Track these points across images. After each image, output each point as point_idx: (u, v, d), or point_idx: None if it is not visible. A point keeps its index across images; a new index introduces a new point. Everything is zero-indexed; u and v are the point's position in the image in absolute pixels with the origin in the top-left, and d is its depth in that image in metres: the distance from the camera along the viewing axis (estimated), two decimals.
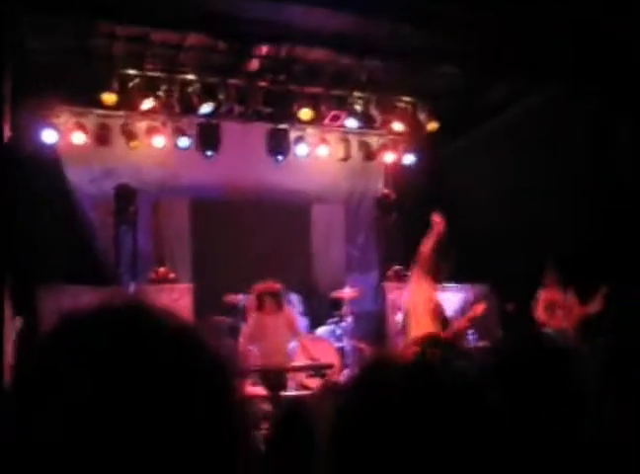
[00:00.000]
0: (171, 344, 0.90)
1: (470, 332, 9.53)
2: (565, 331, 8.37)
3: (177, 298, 9.66)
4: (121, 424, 0.82)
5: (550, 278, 8.69)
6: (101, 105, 9.67)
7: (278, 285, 8.67)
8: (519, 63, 9.08)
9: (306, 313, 10.55)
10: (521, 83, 9.92)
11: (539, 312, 8.66)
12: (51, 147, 9.88)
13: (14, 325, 8.51)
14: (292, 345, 8.78)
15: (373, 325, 10.98)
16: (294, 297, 10.23)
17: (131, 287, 9.01)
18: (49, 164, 9.92)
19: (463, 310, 10.26)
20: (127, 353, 0.86)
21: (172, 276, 10.16)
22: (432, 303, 7.40)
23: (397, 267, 10.91)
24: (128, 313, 0.93)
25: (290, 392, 8.21)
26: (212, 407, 0.89)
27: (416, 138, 11.28)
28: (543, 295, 8.71)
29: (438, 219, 7.50)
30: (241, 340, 8.46)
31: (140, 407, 0.83)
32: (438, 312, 7.45)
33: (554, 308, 8.60)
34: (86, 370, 0.84)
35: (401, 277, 10.76)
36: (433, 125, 10.79)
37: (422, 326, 7.25)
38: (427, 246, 7.40)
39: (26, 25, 8.49)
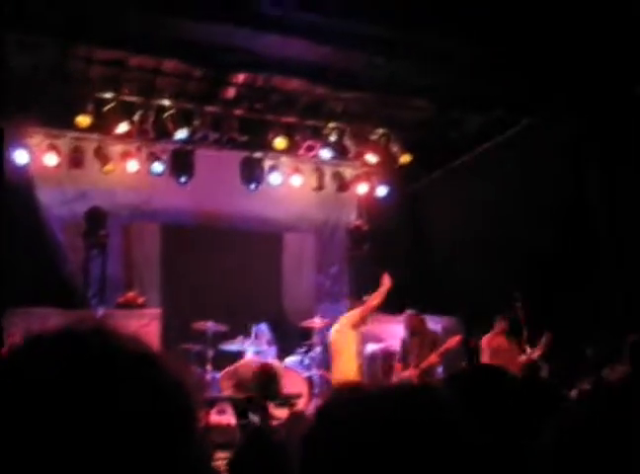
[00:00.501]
0: (133, 368, 0.90)
1: (439, 367, 9.54)
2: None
3: (146, 324, 9.55)
4: (78, 448, 0.81)
5: (498, 325, 8.87)
6: (75, 127, 9.64)
7: None
8: (493, 96, 9.23)
9: (275, 342, 10.49)
10: (495, 115, 10.05)
11: (485, 357, 8.84)
12: (23, 168, 9.81)
13: None
14: None
15: None
16: (264, 326, 10.18)
17: (100, 311, 8.92)
18: (20, 185, 9.83)
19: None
20: (87, 374, 0.86)
21: (141, 300, 10.06)
22: (355, 351, 8.27)
23: (367, 298, 10.91)
24: (92, 336, 0.92)
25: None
26: (172, 433, 0.88)
27: (389, 170, 11.38)
28: (489, 341, 8.90)
29: (386, 280, 8.39)
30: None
31: (98, 428, 0.83)
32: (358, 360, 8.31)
33: (499, 353, 8.75)
34: (47, 391, 0.84)
35: None
36: (405, 158, 10.89)
37: (344, 372, 7.97)
38: (374, 301, 8.35)
39: (4, 43, 8.47)
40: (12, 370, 0.89)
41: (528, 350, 8.73)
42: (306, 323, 10.47)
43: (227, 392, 8.53)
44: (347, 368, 8.07)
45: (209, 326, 9.42)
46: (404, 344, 8.67)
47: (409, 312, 8.87)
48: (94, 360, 0.88)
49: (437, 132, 10.80)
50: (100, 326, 0.96)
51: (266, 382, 7.58)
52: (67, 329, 0.94)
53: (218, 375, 9.04)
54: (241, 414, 7.71)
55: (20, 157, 9.67)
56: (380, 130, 10.98)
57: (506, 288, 8.96)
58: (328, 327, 10.53)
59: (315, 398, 9.72)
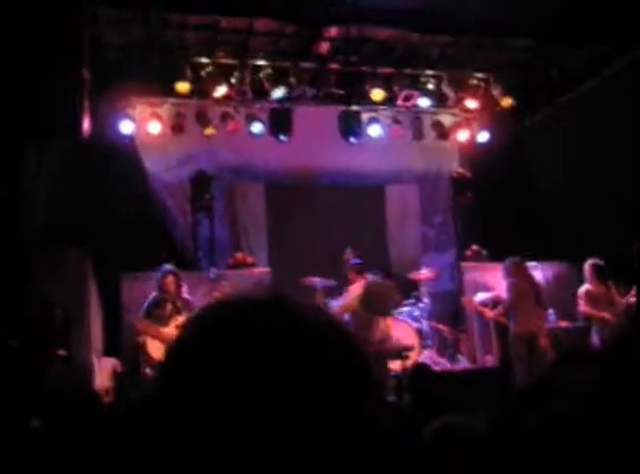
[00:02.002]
0: (322, 337, 0.91)
1: (550, 311, 9.38)
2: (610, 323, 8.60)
3: (257, 283, 9.77)
4: (289, 421, 0.83)
5: (591, 274, 8.83)
6: (175, 94, 9.83)
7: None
8: (596, 28, 8.78)
9: None
10: (599, 50, 9.57)
11: (583, 306, 8.84)
12: (129, 138, 10.11)
13: (99, 313, 8.82)
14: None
15: (450, 305, 10.88)
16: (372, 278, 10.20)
17: (212, 273, 9.14)
18: (128, 154, 10.15)
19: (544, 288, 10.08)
20: (282, 342, 0.88)
21: (250, 259, 10.27)
22: None
23: (474, 246, 10.78)
24: (282, 305, 0.94)
25: None
26: (353, 400, 0.89)
27: (490, 115, 11.06)
28: (586, 290, 8.85)
29: None
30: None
31: (308, 400, 0.84)
32: None
33: (597, 302, 8.74)
34: (258, 363, 0.85)
35: (479, 257, 10.65)
36: (507, 101, 10.55)
37: None
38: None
39: (102, 20, 8.70)
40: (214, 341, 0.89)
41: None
42: (413, 275, 10.45)
43: None
44: None
45: (317, 281, 9.54)
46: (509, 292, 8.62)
47: (509, 260, 8.78)
48: (291, 328, 0.89)
49: (538, 72, 10.39)
50: (281, 295, 0.97)
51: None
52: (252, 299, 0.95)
53: None
54: None
55: (125, 127, 9.94)
56: (479, 75, 10.67)
57: (619, 232, 8.65)
58: (435, 277, 10.51)
59: (426, 349, 9.74)
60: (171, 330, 7.88)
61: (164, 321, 8.03)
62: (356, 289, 8.62)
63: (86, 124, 8.21)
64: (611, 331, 8.57)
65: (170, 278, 8.25)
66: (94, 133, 8.60)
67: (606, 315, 8.66)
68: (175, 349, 0.93)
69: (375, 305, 8.20)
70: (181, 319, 7.96)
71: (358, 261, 9.10)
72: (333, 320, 0.95)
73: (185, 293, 8.37)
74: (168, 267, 8.48)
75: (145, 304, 8.19)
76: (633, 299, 8.67)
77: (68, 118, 7.90)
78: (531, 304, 8.53)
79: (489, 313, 9.12)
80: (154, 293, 8.25)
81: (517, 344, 8.46)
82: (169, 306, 8.16)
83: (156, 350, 7.85)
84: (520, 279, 8.62)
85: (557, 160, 10.53)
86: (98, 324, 8.82)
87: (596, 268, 8.87)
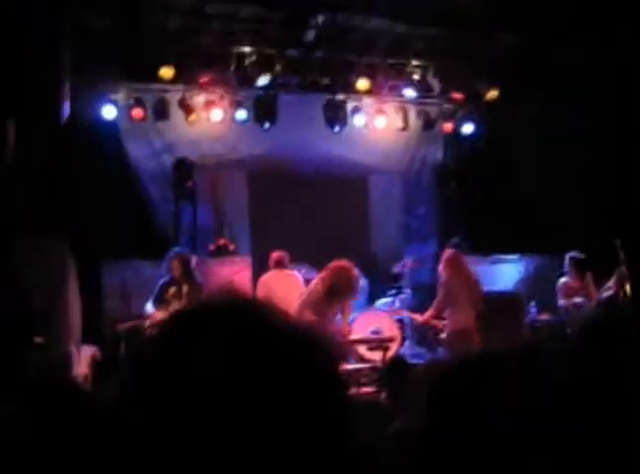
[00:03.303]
0: (290, 347, 0.92)
1: (531, 304, 9.42)
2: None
3: (238, 271, 9.75)
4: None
5: (571, 267, 9.05)
6: (159, 80, 9.73)
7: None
8: (582, 22, 8.77)
9: (366, 285, 10.52)
10: (585, 44, 9.57)
11: (562, 298, 9.04)
12: (111, 123, 10.00)
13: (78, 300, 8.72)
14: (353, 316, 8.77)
15: (432, 296, 10.87)
16: None
17: (193, 260, 9.08)
18: (110, 140, 10.04)
19: (524, 282, 10.14)
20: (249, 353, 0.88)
21: (232, 247, 10.24)
22: None
23: (456, 238, 10.78)
24: (249, 313, 0.95)
25: (351, 365, 8.26)
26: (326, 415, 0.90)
27: (475, 107, 11.06)
28: (563, 283, 9.09)
29: None
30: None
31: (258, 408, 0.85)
32: None
33: (573, 295, 8.96)
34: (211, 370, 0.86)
35: (460, 249, 10.64)
36: (492, 93, 10.55)
37: None
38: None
39: (85, 1, 8.58)
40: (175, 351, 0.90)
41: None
42: (396, 266, 10.45)
43: None
44: None
45: (302, 271, 9.52)
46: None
47: (446, 252, 8.58)
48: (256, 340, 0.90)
49: (523, 66, 10.37)
50: (249, 302, 0.99)
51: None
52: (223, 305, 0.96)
53: None
54: None
55: (108, 112, 9.84)
56: (465, 66, 10.64)
57: (600, 227, 8.69)
58: (418, 269, 10.52)
59: (407, 340, 9.76)
60: (165, 315, 7.87)
61: (164, 305, 8.02)
62: None
63: (67, 108, 8.11)
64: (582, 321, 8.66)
65: (175, 263, 8.22)
66: (75, 118, 8.50)
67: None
68: (146, 345, 0.96)
69: (341, 292, 7.95)
70: (179, 307, 7.91)
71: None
72: (294, 323, 0.96)
73: (198, 277, 8.35)
74: (176, 250, 8.48)
75: (156, 288, 8.21)
76: (608, 293, 8.77)
77: (49, 101, 7.80)
78: (466, 299, 7.89)
79: (418, 318, 8.83)
80: (164, 278, 8.24)
81: (453, 341, 7.81)
82: (172, 290, 8.15)
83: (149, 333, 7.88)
84: (455, 273, 8.22)
85: (540, 154, 10.52)
86: (77, 311, 8.73)
87: (575, 261, 8.99)
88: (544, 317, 9.61)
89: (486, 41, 9.98)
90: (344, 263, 8.01)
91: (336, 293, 7.79)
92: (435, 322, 8.54)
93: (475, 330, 8.01)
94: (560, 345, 1.51)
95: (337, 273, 7.86)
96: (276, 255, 9.23)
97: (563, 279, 9.09)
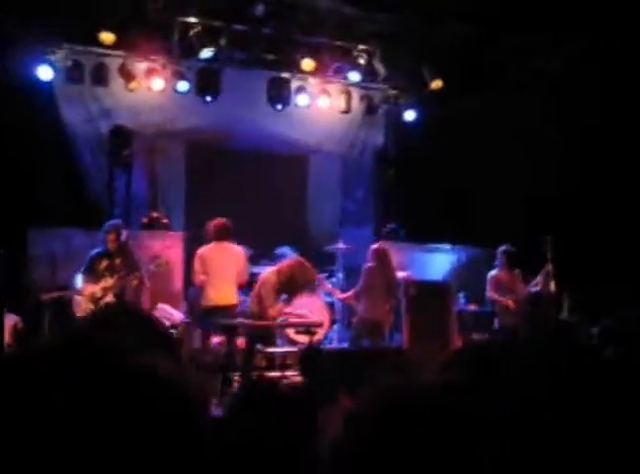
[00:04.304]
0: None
1: (460, 295, 9.58)
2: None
3: (169, 246, 9.60)
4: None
5: (501, 260, 9.25)
6: (99, 44, 9.45)
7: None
8: (531, 17, 8.87)
9: None
10: (534, 38, 9.68)
11: (489, 291, 9.28)
12: (47, 84, 9.68)
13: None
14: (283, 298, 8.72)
15: None
16: (287, 249, 10.14)
17: (124, 234, 8.87)
18: (44, 101, 9.72)
19: (455, 271, 10.30)
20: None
21: (165, 221, 10.06)
22: None
23: (391, 225, 10.86)
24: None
25: (280, 347, 8.27)
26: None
27: (419, 94, 11.08)
28: (492, 276, 9.30)
29: None
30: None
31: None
32: None
33: (501, 288, 9.21)
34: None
35: (395, 236, 10.73)
36: (437, 82, 10.58)
37: None
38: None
39: None
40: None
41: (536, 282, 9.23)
42: (330, 247, 10.44)
43: None
44: None
45: None
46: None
47: (374, 245, 8.92)
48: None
49: (470, 56, 10.43)
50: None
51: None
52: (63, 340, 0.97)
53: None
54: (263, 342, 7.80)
55: (44, 73, 9.51)
56: (412, 54, 10.64)
57: (533, 221, 8.86)
58: (351, 252, 10.54)
59: (336, 324, 9.80)
60: (95, 289, 7.72)
61: (95, 278, 7.84)
62: None
63: None
64: (511, 317, 8.95)
65: (112, 236, 8.01)
66: (8, 75, 8.19)
67: (509, 302, 9.09)
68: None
69: (295, 287, 7.99)
70: (110, 281, 7.80)
71: None
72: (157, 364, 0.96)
73: (134, 253, 8.18)
74: (113, 222, 8.27)
75: (86, 259, 7.98)
76: (534, 289, 9.05)
77: None
78: (382, 293, 8.47)
79: (339, 295, 9.30)
80: (97, 249, 8.03)
81: (359, 327, 8.53)
82: (104, 263, 7.95)
83: (77, 305, 7.76)
84: (378, 266, 8.51)
85: (480, 146, 10.63)
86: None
87: (506, 254, 9.16)
88: (472, 308, 9.79)
89: (434, 30, 9.99)
90: (302, 259, 8.12)
91: (291, 288, 7.85)
92: (352, 302, 8.89)
93: (383, 322, 8.36)
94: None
95: (295, 267, 7.91)
96: (218, 222, 8.41)
97: (493, 272, 9.27)
